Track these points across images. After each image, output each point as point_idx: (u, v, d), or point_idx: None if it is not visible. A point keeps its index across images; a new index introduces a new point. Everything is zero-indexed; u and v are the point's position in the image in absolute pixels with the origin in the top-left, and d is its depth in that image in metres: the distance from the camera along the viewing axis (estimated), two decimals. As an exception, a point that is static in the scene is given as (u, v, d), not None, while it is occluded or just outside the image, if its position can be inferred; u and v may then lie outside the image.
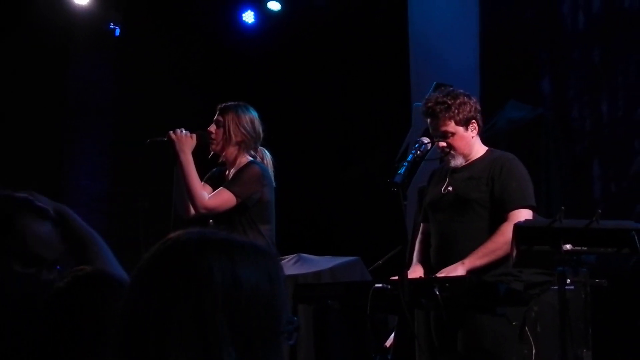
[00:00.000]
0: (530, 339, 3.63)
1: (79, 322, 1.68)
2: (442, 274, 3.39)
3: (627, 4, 5.48)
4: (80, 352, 1.64)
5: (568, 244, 2.83)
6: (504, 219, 3.45)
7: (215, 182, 3.95)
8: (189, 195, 3.78)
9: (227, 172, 3.96)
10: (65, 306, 1.73)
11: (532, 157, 5.50)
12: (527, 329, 3.65)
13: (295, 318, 1.42)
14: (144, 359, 1.19)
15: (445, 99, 3.60)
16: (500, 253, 3.36)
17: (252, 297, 1.22)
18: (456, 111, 3.57)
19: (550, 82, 5.92)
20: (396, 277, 3.12)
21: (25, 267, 1.85)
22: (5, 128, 6.45)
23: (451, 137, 3.59)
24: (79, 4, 6.67)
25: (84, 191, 6.77)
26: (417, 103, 6.63)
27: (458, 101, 3.60)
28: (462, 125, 3.60)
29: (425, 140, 3.60)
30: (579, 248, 2.83)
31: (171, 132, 3.88)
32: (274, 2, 7.04)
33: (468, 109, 3.61)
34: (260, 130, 3.98)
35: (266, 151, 4.05)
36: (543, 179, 5.47)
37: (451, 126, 3.59)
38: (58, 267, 1.94)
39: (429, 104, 3.63)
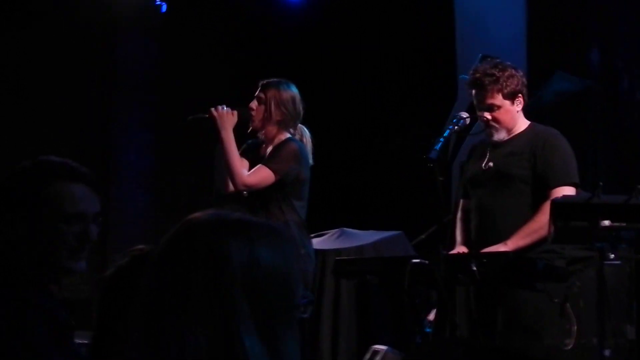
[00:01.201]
0: (572, 314, 3.60)
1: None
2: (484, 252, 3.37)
3: (679, -30, 5.32)
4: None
5: (606, 219, 2.79)
6: (546, 196, 3.41)
7: (251, 155, 3.99)
8: (229, 172, 3.83)
9: (264, 147, 4.00)
10: (125, 283, 1.80)
11: (579, 130, 5.41)
12: (569, 304, 3.61)
13: (310, 293, 1.47)
14: (165, 336, 1.24)
15: (493, 70, 3.55)
16: (543, 232, 3.29)
17: (269, 273, 1.28)
18: (504, 84, 3.53)
19: (599, 53, 5.79)
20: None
21: (70, 226, 1.96)
22: (54, 105, 6.58)
23: (497, 110, 3.55)
24: (125, -18, 6.74)
25: (131, 166, 6.89)
26: (463, 75, 6.55)
27: (507, 74, 3.55)
28: (508, 99, 3.56)
29: (464, 115, 3.57)
30: (618, 224, 2.79)
31: (212, 109, 3.92)
32: (319, -24, 7.01)
33: (516, 82, 3.56)
34: (301, 108, 3.99)
35: (305, 129, 4.06)
36: (590, 154, 5.39)
37: (498, 99, 3.55)
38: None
39: (477, 75, 3.58)
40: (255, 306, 1.25)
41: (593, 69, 5.79)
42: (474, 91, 3.60)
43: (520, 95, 3.58)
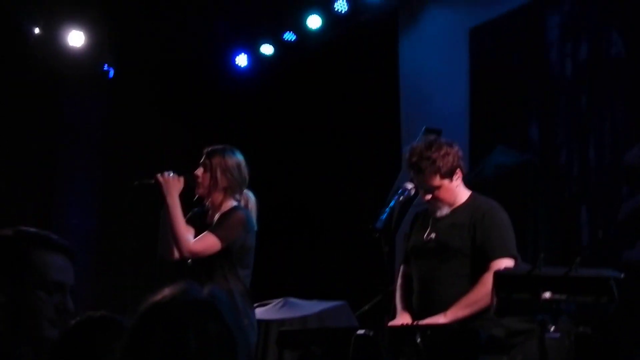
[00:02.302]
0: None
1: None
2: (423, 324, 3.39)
3: (614, 52, 5.55)
4: None
5: (547, 292, 2.84)
6: (485, 268, 3.45)
7: (197, 223, 3.96)
8: (175, 238, 3.79)
9: (210, 214, 3.98)
10: (73, 346, 1.83)
11: (519, 203, 5.52)
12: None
13: None
14: None
15: (429, 153, 3.59)
16: (482, 304, 3.34)
17: (238, 344, 1.35)
18: (441, 164, 3.58)
19: (539, 128, 5.96)
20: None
21: (50, 295, 1.97)
22: (-2, 168, 6.48)
23: (437, 190, 3.61)
24: (73, 46, 6.74)
25: (74, 230, 6.78)
26: (408, 147, 6.69)
27: (442, 152, 3.60)
28: (447, 177, 3.61)
29: (409, 185, 3.62)
30: (558, 296, 2.83)
31: (159, 174, 3.90)
32: (267, 46, 7.12)
33: (452, 159, 3.62)
34: (246, 175, 4.00)
35: (251, 194, 4.06)
36: (531, 225, 5.49)
37: (437, 180, 3.60)
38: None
39: (414, 159, 3.62)
40: None
41: (533, 144, 5.95)
42: (413, 173, 3.66)
43: (458, 169, 3.64)
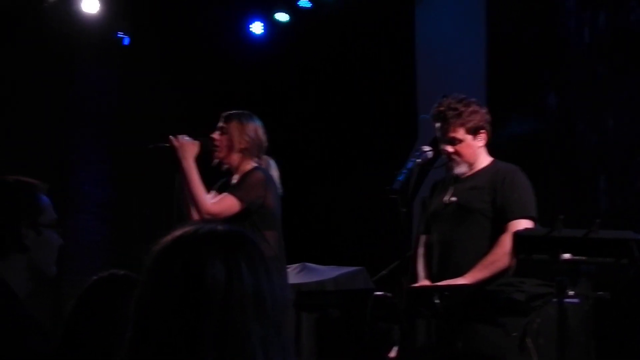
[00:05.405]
0: (533, 350, 3.61)
1: (101, 317, 1.81)
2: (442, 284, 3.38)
3: (633, 18, 5.49)
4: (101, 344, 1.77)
5: (567, 253, 2.82)
6: (504, 229, 3.44)
7: (223, 191, 3.95)
8: (193, 201, 3.79)
9: (231, 178, 3.98)
10: (89, 303, 1.86)
11: (536, 172, 5.49)
12: (529, 340, 3.63)
13: None
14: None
15: (457, 105, 3.60)
16: (500, 265, 3.34)
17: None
18: (467, 119, 3.58)
19: (556, 97, 5.92)
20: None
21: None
22: (11, 134, 6.48)
23: (458, 144, 3.60)
24: (88, 13, 6.72)
25: (88, 197, 6.80)
26: (424, 115, 6.65)
27: (470, 109, 3.61)
28: (470, 134, 3.61)
29: (426, 148, 3.61)
30: (578, 257, 2.82)
31: (173, 138, 3.89)
32: (282, 14, 7.07)
33: (479, 117, 3.62)
34: (264, 139, 3.99)
35: (272, 160, 4.05)
36: (548, 194, 5.46)
37: (460, 133, 3.60)
38: None
39: (441, 108, 3.63)
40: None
41: (550, 112, 5.90)
42: (437, 124, 3.64)
43: (483, 130, 3.63)
